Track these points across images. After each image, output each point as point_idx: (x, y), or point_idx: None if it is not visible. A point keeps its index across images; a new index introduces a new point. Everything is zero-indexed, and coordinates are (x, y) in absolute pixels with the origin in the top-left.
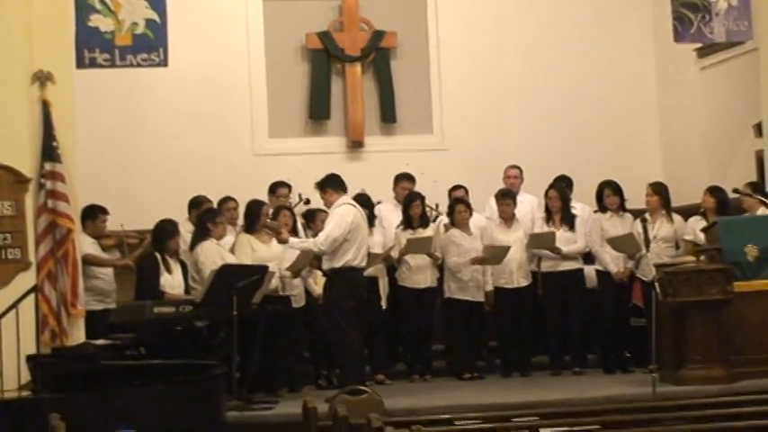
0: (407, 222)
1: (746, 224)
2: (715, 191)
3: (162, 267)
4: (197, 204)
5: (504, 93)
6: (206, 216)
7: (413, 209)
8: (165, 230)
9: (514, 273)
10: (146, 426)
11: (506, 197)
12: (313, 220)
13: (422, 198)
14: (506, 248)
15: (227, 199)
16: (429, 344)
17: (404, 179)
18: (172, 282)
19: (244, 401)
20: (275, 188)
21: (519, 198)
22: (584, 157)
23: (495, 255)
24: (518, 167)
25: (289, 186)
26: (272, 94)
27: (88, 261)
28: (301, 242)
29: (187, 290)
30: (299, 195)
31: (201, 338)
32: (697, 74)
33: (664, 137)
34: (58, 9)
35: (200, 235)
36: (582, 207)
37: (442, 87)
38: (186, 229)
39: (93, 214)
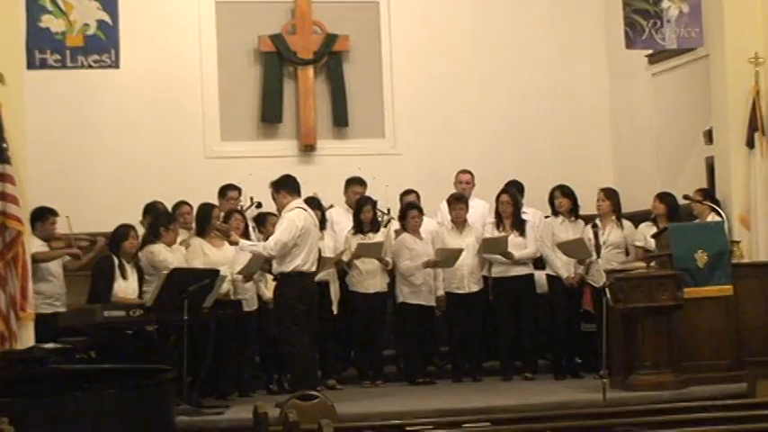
0: (358, 227)
1: (697, 230)
2: (665, 197)
3: (117, 272)
4: (152, 210)
5: (457, 98)
6: (160, 220)
7: (364, 213)
8: (120, 233)
9: (466, 278)
10: (95, 429)
11: (459, 202)
12: (264, 224)
13: (373, 203)
14: (459, 251)
15: (181, 203)
16: (380, 349)
17: (354, 183)
18: (126, 288)
19: (194, 406)
20: (225, 191)
21: (470, 203)
22: (535, 162)
23: (447, 258)
24: (470, 172)
25: (239, 189)
26: (225, 97)
27: (37, 259)
28: (252, 245)
29: (141, 297)
30: (251, 199)
31: (152, 342)
32: (648, 80)
33: (615, 143)
34: (9, 9)
35: (151, 238)
36: (533, 212)
37: (394, 91)
38: (138, 233)
39: (43, 216)
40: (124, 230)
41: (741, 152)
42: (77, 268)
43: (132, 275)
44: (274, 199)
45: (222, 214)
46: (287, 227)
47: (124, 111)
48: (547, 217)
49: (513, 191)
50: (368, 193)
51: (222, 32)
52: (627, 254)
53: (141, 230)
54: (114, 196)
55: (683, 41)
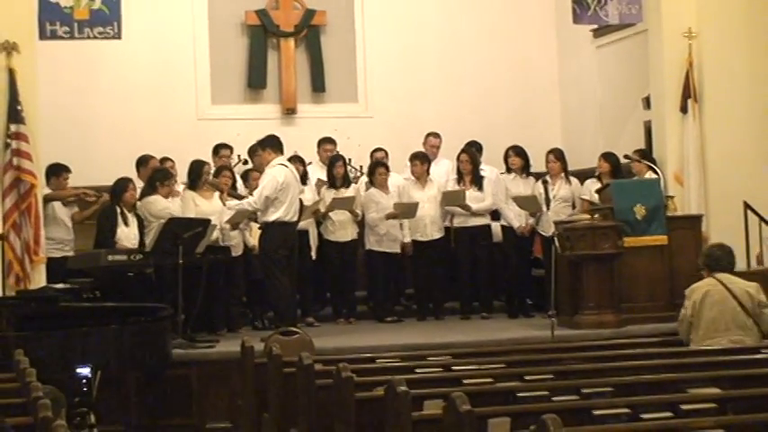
0: (331, 181)
1: (635, 186)
2: (609, 156)
3: (120, 219)
4: (143, 162)
5: (422, 67)
6: (157, 175)
7: (336, 169)
8: (121, 186)
9: (428, 227)
10: (101, 360)
11: (416, 159)
12: (247, 179)
13: (344, 160)
14: (415, 204)
15: (164, 159)
16: (353, 291)
17: (325, 142)
18: (128, 234)
19: (188, 340)
20: (218, 149)
21: (437, 161)
22: (492, 125)
23: (405, 210)
24: (439, 136)
25: (230, 148)
26: (215, 65)
27: (50, 198)
28: (238, 204)
29: (142, 242)
30: (239, 156)
31: (150, 283)
32: (593, 52)
33: (563, 108)
34: None
35: (148, 190)
36: (490, 169)
37: (366, 61)
38: (136, 186)
39: (57, 172)
40: (124, 183)
41: (675, 117)
42: (82, 219)
43: (132, 222)
44: (257, 156)
45: (213, 170)
46: (269, 182)
47: (125, 77)
48: (502, 174)
49: (472, 150)
50: (342, 152)
51: (213, 7)
52: (574, 207)
53: (138, 183)
54: (115, 154)
55: (624, 17)
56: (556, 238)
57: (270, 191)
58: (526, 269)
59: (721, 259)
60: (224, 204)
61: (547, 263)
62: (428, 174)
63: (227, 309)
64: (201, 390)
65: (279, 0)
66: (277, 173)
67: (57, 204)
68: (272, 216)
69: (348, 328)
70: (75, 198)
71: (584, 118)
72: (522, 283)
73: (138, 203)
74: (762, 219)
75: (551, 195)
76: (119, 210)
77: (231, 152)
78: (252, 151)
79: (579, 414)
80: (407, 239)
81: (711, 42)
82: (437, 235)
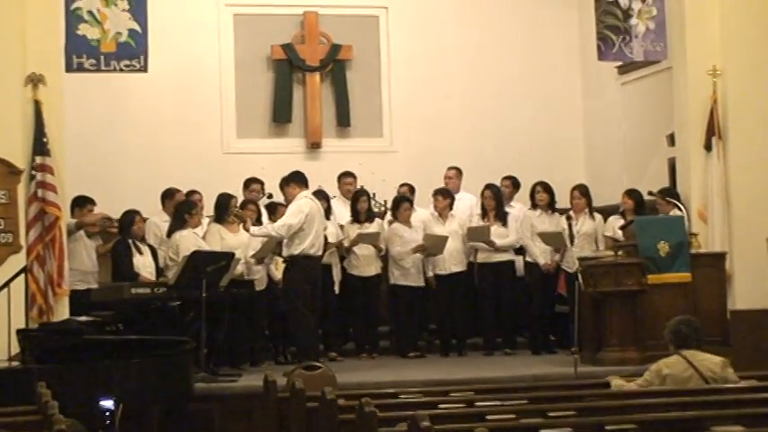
0: (355, 216)
1: (660, 223)
2: (633, 193)
3: (133, 250)
4: (169, 195)
5: (447, 102)
6: (183, 207)
7: (360, 204)
8: (127, 220)
9: (447, 260)
10: (123, 394)
11: (437, 194)
12: (274, 212)
13: (368, 194)
14: (445, 238)
15: (191, 192)
16: (376, 326)
17: (346, 176)
18: (144, 263)
19: (211, 374)
20: (248, 183)
21: (458, 196)
22: (516, 160)
23: (434, 244)
24: (456, 168)
25: (261, 182)
26: (240, 99)
27: (76, 227)
28: (260, 229)
29: (158, 270)
30: (263, 190)
31: (174, 317)
32: (618, 89)
33: (587, 144)
34: (50, 19)
35: (178, 224)
36: (519, 207)
37: (391, 96)
38: (162, 218)
39: (82, 204)
40: (131, 216)
41: (700, 154)
42: (106, 252)
43: (146, 251)
44: (283, 191)
45: (239, 203)
46: (294, 212)
47: (151, 110)
48: (529, 209)
49: (496, 187)
50: (367, 186)
51: (239, 42)
52: (597, 243)
53: (163, 216)
54: (141, 186)
55: (649, 55)
56: (579, 275)
57: (294, 220)
58: (550, 305)
59: (688, 337)
60: (247, 231)
61: (570, 299)
62: (450, 209)
63: (250, 343)
64: (224, 424)
65: (305, 35)
66: (302, 204)
67: (82, 236)
68: (298, 249)
69: (371, 363)
70: (99, 230)
71: (609, 154)
72: (546, 319)
73: (169, 239)
74: None
75: (575, 231)
76: (130, 241)
77: (262, 186)
78: (282, 186)
79: None
80: (430, 274)
81: (736, 80)
82: (455, 269)
